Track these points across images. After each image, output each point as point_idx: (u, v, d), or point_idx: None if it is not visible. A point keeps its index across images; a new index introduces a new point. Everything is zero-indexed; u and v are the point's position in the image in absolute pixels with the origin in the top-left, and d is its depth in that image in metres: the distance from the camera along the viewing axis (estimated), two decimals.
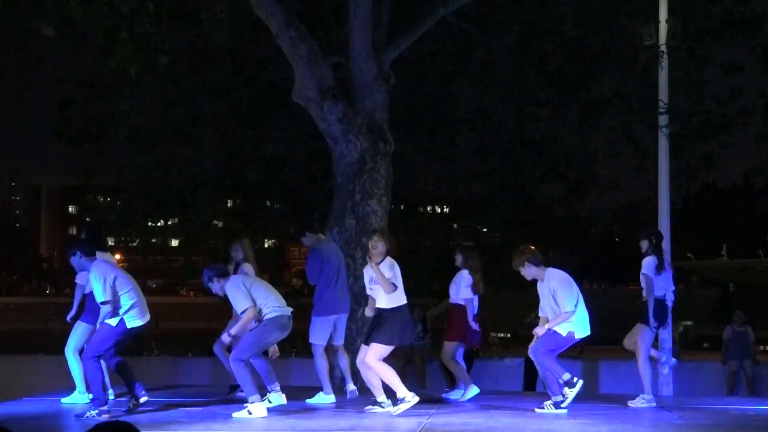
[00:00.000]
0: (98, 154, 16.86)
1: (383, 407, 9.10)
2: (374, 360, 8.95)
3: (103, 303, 8.79)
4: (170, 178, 15.00)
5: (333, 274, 10.25)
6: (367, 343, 9.14)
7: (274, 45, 13.09)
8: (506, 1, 15.97)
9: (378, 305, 9.10)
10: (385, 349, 9.01)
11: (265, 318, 8.98)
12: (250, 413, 8.73)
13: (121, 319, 8.85)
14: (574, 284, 9.50)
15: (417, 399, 8.89)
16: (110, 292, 8.77)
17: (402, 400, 8.85)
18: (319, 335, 10.14)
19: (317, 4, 15.51)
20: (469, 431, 8.24)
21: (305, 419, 8.86)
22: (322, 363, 10.11)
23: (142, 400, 9.01)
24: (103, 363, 9.05)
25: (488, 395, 10.78)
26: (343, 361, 10.44)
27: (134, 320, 8.92)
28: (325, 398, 10.05)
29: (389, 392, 9.07)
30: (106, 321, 8.87)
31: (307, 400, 10.02)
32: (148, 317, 9.09)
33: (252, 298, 8.91)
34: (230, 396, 10.21)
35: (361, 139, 12.93)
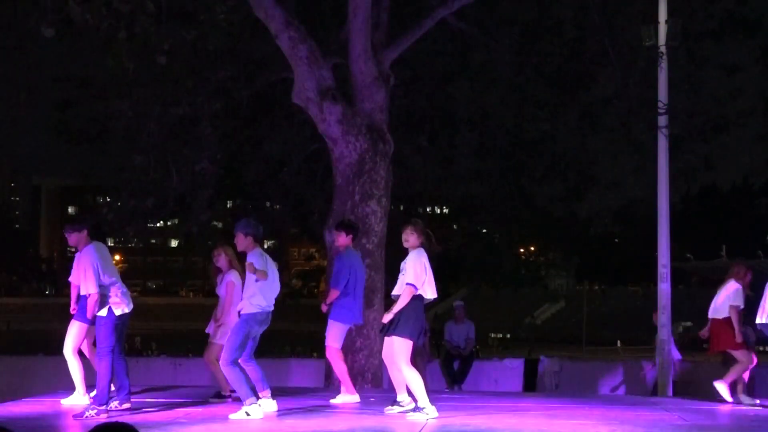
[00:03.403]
0: (98, 154, 16.86)
1: (402, 406, 9.08)
2: (402, 361, 8.80)
3: (93, 293, 8.87)
4: (170, 178, 14.99)
5: (356, 282, 10.24)
6: (386, 335, 8.97)
7: (273, 45, 13.09)
8: (506, 1, 15.98)
9: (395, 292, 8.93)
10: (404, 342, 8.82)
11: (244, 313, 9.00)
12: (247, 414, 8.74)
13: (109, 308, 8.92)
14: None
15: (436, 414, 8.80)
16: (97, 281, 8.88)
17: (421, 410, 8.81)
18: (339, 339, 10.15)
19: (317, 5, 15.51)
20: (468, 431, 8.24)
21: (304, 420, 8.85)
22: (340, 365, 10.12)
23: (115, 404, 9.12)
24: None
25: (488, 395, 10.79)
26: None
27: (120, 307, 9.00)
28: (349, 398, 10.07)
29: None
30: (98, 314, 8.91)
31: (331, 401, 10.01)
32: (131, 306, 9.16)
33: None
34: (213, 400, 10.16)
35: (361, 139, 12.93)
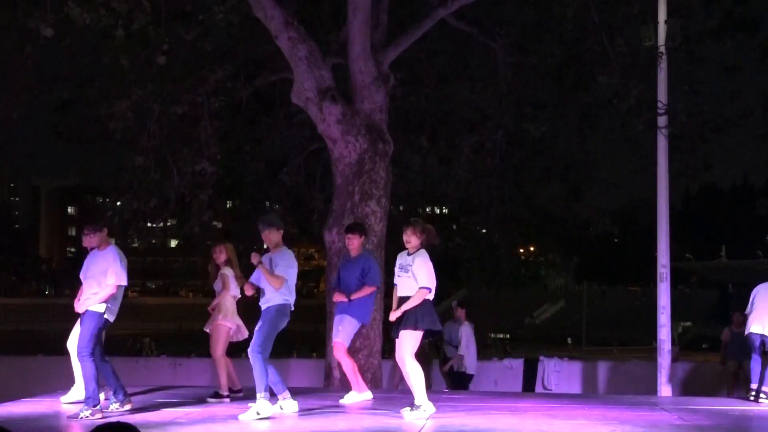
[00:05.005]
0: (98, 154, 16.86)
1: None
2: (408, 355, 8.79)
3: (115, 285, 8.92)
4: (170, 179, 15.01)
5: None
6: (396, 334, 8.95)
7: (273, 45, 13.09)
8: (506, 1, 15.98)
9: (403, 293, 8.92)
10: (416, 336, 8.82)
11: (276, 305, 9.02)
12: (258, 413, 8.71)
13: (105, 309, 8.92)
14: None
15: (434, 410, 8.81)
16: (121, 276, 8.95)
17: (418, 408, 8.80)
18: (350, 337, 10.15)
19: (316, 5, 15.52)
20: (468, 431, 8.24)
21: (304, 420, 8.85)
22: (347, 362, 10.10)
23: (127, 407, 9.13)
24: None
25: (488, 395, 10.79)
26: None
27: (110, 314, 9.01)
28: (358, 396, 10.04)
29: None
30: (92, 309, 8.90)
31: (341, 401, 9.97)
32: (114, 317, 9.15)
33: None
34: (211, 400, 10.12)
35: (360, 140, 12.94)
